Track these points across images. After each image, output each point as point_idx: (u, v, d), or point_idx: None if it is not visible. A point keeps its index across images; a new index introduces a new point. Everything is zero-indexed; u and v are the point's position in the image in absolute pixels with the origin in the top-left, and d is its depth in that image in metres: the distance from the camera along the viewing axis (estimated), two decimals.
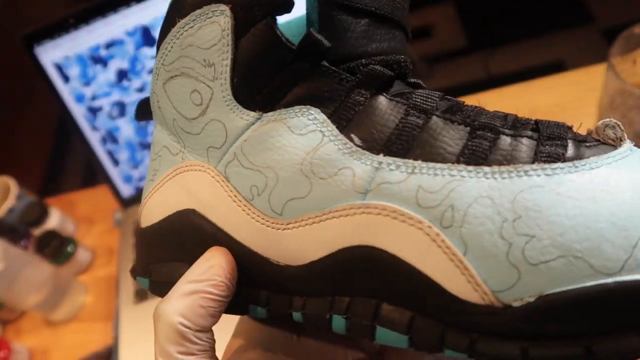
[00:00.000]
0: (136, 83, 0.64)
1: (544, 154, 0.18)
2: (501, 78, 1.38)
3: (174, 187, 0.23)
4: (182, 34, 0.21)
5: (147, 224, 0.25)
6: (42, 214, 0.70)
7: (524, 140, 0.19)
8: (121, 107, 0.66)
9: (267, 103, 0.21)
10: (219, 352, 0.22)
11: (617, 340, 0.16)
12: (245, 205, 0.21)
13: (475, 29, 1.60)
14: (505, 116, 0.20)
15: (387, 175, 0.19)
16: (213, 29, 0.21)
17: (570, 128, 0.20)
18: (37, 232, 0.70)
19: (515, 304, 0.17)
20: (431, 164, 0.18)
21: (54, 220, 0.71)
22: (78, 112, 0.65)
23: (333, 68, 0.20)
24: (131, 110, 0.66)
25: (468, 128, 0.19)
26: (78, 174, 1.64)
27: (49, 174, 1.61)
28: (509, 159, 0.18)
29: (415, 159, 0.19)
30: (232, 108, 0.21)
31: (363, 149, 0.20)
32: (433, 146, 0.19)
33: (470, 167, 0.18)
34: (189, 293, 0.20)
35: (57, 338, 0.66)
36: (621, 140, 0.19)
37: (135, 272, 0.26)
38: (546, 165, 0.18)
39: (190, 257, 0.22)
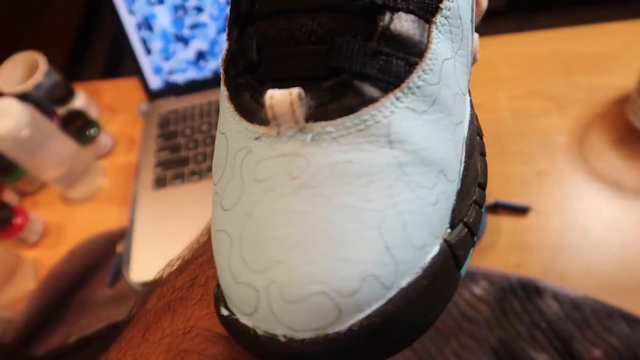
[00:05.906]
0: None
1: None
2: None
3: None
4: None
5: None
6: (68, 94, 0.70)
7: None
8: None
9: None
10: None
11: None
12: None
13: None
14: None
15: None
16: None
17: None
18: (61, 111, 0.70)
19: None
20: None
21: (79, 102, 0.71)
22: None
23: None
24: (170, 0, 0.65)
25: None
26: (100, 65, 1.61)
27: (72, 59, 1.57)
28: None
29: None
30: None
31: None
32: None
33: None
34: None
35: (72, 215, 0.67)
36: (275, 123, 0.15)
37: None
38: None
39: None
